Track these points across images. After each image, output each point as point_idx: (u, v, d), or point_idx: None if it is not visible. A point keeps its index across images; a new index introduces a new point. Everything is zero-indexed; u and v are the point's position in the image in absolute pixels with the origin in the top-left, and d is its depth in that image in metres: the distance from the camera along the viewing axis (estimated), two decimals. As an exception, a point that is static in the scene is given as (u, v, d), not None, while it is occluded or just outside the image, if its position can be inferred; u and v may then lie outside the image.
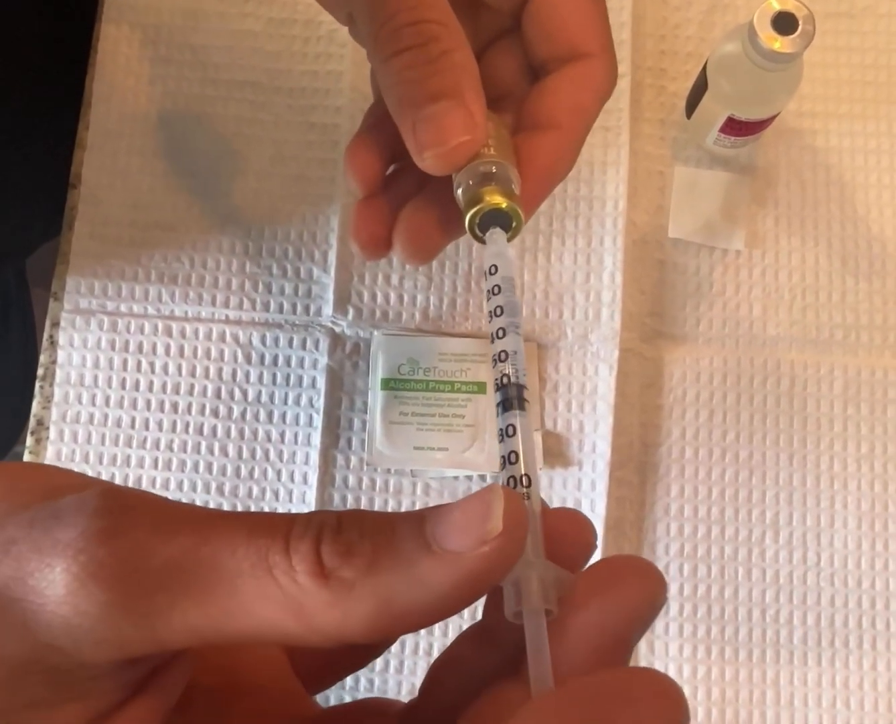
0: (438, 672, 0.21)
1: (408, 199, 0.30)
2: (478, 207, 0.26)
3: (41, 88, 0.56)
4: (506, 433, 0.22)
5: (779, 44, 0.43)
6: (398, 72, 0.27)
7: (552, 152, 0.29)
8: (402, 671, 0.48)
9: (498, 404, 0.23)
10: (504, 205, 0.26)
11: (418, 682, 0.27)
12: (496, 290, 0.25)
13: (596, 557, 0.47)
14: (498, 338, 0.24)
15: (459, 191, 0.27)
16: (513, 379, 0.23)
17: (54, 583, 0.16)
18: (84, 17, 0.55)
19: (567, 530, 0.20)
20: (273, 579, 0.16)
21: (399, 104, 0.27)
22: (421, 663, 0.48)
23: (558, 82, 0.30)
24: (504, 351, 0.24)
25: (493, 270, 0.25)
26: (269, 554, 0.16)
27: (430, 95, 0.26)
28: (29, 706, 0.17)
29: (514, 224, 0.27)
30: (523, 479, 0.21)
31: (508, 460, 0.22)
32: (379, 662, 0.48)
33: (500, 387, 0.23)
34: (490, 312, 0.25)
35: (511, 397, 0.23)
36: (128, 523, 0.17)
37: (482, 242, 0.27)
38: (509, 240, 0.27)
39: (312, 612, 0.16)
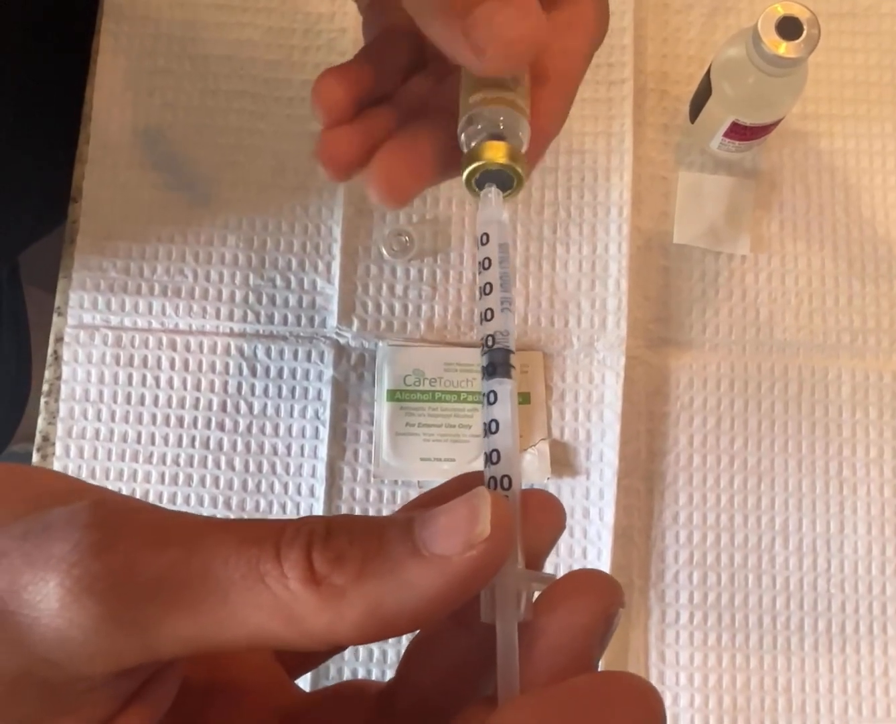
0: (413, 655, 0.22)
1: (385, 137, 0.28)
2: (475, 166, 0.24)
3: (32, 93, 0.55)
4: (488, 429, 0.21)
5: (783, 48, 0.42)
6: None
7: (544, 107, 0.27)
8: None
9: (483, 396, 0.22)
10: (502, 162, 0.24)
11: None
12: (486, 263, 0.23)
13: (605, 565, 0.47)
14: (486, 319, 0.22)
15: (463, 136, 0.25)
16: (500, 344, 0.22)
17: (48, 597, 0.16)
18: (82, 27, 0.55)
19: (538, 514, 0.21)
20: (265, 587, 0.16)
21: (441, 14, 0.24)
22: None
23: (549, 24, 0.28)
24: (491, 336, 0.22)
25: (484, 239, 0.23)
26: (259, 562, 0.17)
27: None
28: (23, 721, 0.17)
29: (514, 182, 0.25)
30: (504, 480, 0.21)
31: (490, 459, 0.21)
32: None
33: (486, 373, 0.22)
34: (480, 288, 0.23)
35: (496, 364, 0.22)
36: (120, 536, 0.17)
37: (478, 196, 0.25)
38: (508, 197, 0.25)
39: (304, 618, 0.17)
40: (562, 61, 0.27)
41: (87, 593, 0.16)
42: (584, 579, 0.19)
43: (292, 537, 0.17)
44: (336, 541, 0.17)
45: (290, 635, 0.17)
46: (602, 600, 0.19)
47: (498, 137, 0.24)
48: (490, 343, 0.22)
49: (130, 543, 0.17)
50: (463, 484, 0.22)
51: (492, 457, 0.21)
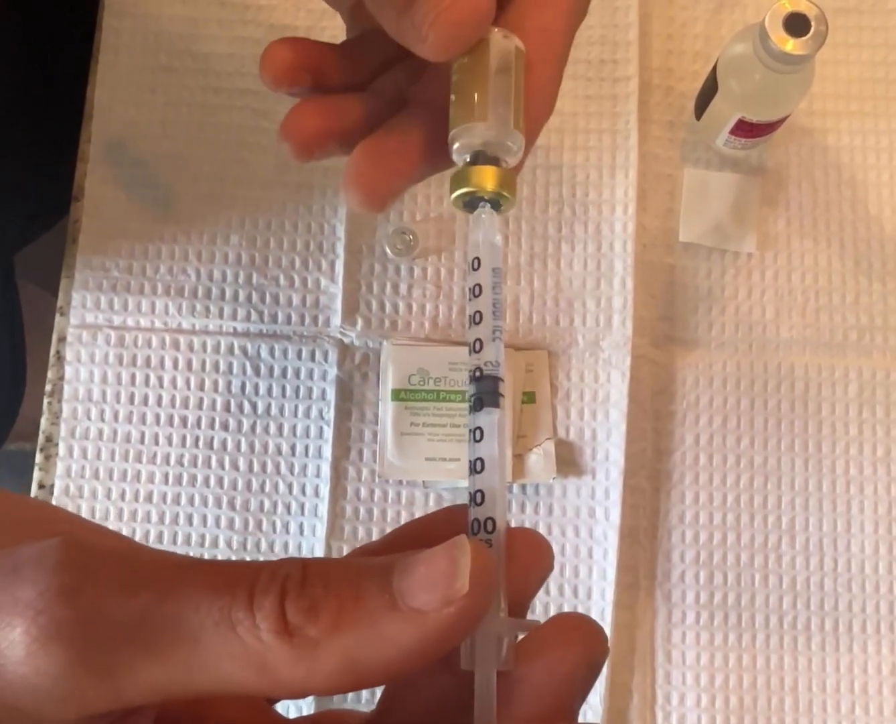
0: (394, 691, 0.21)
1: (356, 121, 0.27)
2: (464, 191, 0.23)
3: (25, 94, 0.54)
4: (474, 469, 0.21)
5: (791, 45, 0.42)
6: None
7: (528, 93, 0.25)
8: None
9: (469, 432, 0.21)
10: (491, 189, 0.23)
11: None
12: (477, 290, 0.22)
13: (611, 565, 0.47)
14: (475, 351, 0.22)
15: (454, 147, 0.24)
16: (489, 372, 0.21)
17: (14, 643, 0.16)
18: (82, 26, 0.55)
19: (525, 554, 0.20)
20: (236, 637, 0.16)
21: (392, 3, 0.24)
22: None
23: (520, 5, 0.26)
24: (479, 368, 0.21)
25: (475, 264, 0.22)
26: (232, 611, 0.16)
27: None
28: None
29: (503, 204, 0.24)
30: (487, 523, 0.20)
31: (474, 500, 0.20)
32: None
33: (473, 408, 0.21)
34: (469, 316, 0.22)
35: (484, 394, 0.21)
36: (89, 578, 0.17)
37: (469, 214, 0.24)
38: (500, 213, 0.24)
39: (276, 669, 0.16)
40: (539, 43, 0.25)
41: (55, 641, 0.16)
42: (569, 624, 0.19)
43: (266, 585, 0.17)
44: (311, 589, 0.17)
45: (263, 684, 0.17)
46: (586, 648, 0.19)
47: (488, 158, 0.23)
48: (478, 375, 0.21)
49: (100, 586, 0.16)
50: (448, 519, 0.21)
51: (476, 498, 0.20)
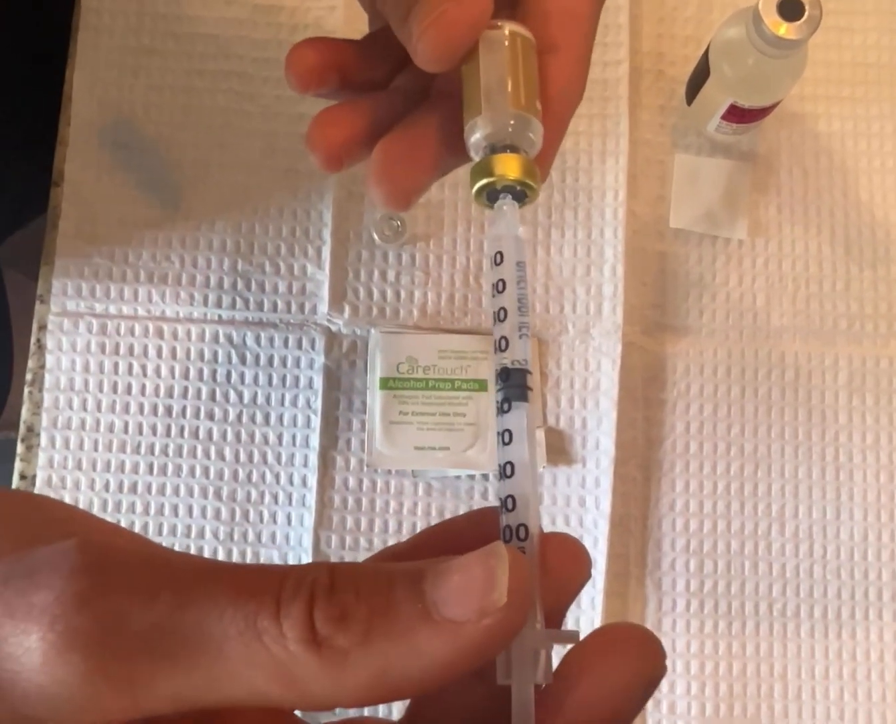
0: (423, 703, 0.21)
1: (383, 124, 0.26)
2: (485, 182, 0.23)
3: (8, 78, 0.53)
4: (503, 473, 0.20)
5: (784, 29, 0.41)
6: None
7: (556, 80, 0.25)
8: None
9: (498, 435, 0.20)
10: (514, 178, 0.22)
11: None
12: (501, 286, 0.21)
13: (602, 553, 0.47)
14: (500, 349, 0.21)
15: (471, 140, 0.23)
16: (516, 366, 0.21)
17: (30, 651, 0.15)
18: (62, 6, 0.53)
19: (560, 562, 0.19)
20: (262, 646, 0.15)
21: (395, 13, 0.24)
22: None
23: None
24: (505, 367, 0.20)
25: (498, 258, 0.22)
26: (257, 619, 0.15)
27: None
28: None
29: (526, 195, 0.23)
30: (520, 530, 0.19)
31: (505, 505, 0.20)
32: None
33: (500, 409, 0.20)
34: (494, 313, 0.21)
35: (512, 388, 0.20)
36: (107, 584, 0.16)
37: (490, 208, 0.23)
38: (524, 205, 0.23)
39: (303, 680, 0.16)
40: (563, 24, 0.25)
41: (72, 649, 0.15)
42: (627, 633, 0.18)
43: (293, 591, 0.16)
44: (340, 596, 0.16)
45: (289, 696, 0.16)
46: (643, 661, 0.17)
47: (509, 147, 0.23)
48: (505, 375, 0.21)
49: (119, 592, 0.16)
50: (478, 522, 0.21)
51: (507, 504, 0.20)
